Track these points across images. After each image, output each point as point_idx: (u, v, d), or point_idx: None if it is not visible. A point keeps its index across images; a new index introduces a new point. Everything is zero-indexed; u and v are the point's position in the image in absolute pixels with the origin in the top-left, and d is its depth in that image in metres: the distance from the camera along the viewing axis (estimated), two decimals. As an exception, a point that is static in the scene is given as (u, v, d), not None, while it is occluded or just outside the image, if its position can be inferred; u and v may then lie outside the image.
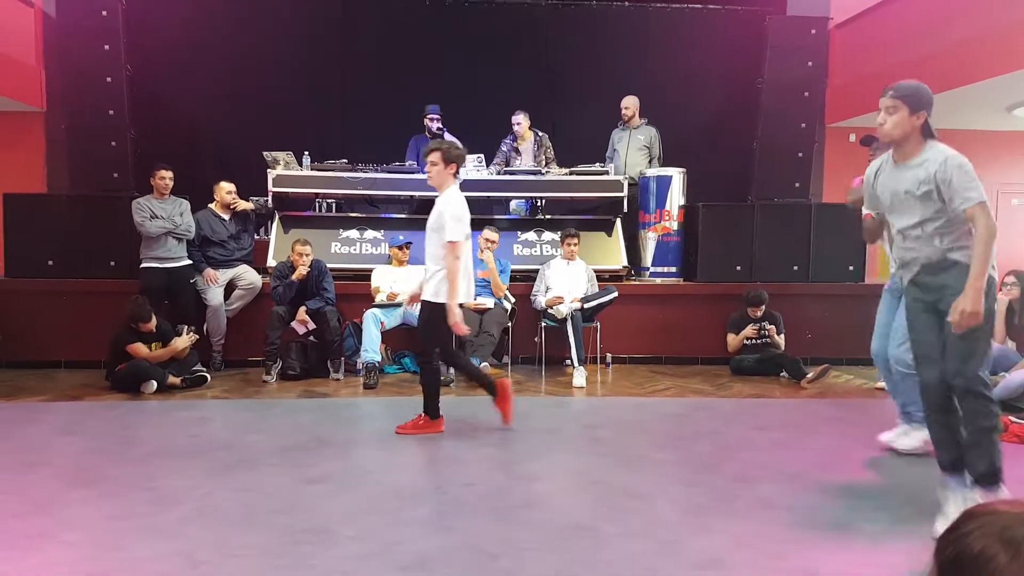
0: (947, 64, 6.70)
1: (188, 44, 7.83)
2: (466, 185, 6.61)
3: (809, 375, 5.75)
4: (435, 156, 4.14)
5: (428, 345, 4.31)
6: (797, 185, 7.12)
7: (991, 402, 2.87)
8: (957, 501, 2.88)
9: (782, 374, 6.04)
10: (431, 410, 4.26)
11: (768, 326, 6.21)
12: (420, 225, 6.76)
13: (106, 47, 6.54)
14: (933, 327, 2.94)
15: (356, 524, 2.91)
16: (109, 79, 6.55)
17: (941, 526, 2.71)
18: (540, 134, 7.20)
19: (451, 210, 4.09)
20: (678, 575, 2.53)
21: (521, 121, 7.08)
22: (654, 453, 3.94)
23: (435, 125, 7.15)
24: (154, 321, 5.33)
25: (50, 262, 6.22)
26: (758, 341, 6.21)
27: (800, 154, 7.18)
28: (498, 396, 4.32)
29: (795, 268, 6.79)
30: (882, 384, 5.62)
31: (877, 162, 3.11)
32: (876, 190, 3.09)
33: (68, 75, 6.66)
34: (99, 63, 6.53)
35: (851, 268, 6.82)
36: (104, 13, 6.55)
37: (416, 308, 5.88)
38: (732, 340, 6.28)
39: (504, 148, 7.17)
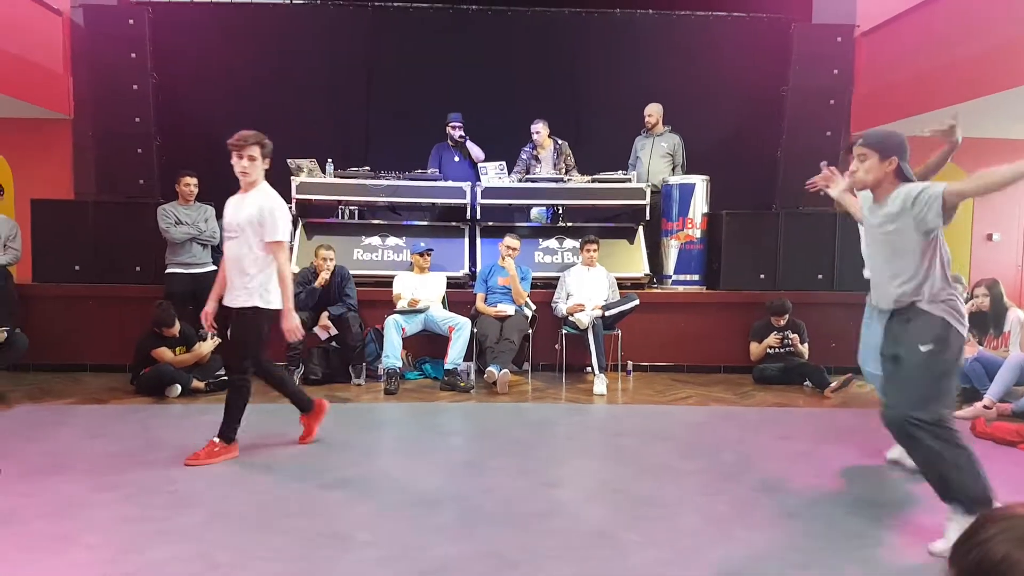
0: (975, 72, 6.59)
1: (214, 52, 7.94)
2: (488, 192, 6.68)
3: (832, 385, 5.66)
4: (255, 150, 3.73)
5: (246, 357, 3.83)
6: (822, 194, 7.03)
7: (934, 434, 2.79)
8: (952, 528, 2.79)
9: (805, 383, 5.96)
10: (228, 432, 3.84)
11: (791, 335, 6.13)
12: (442, 232, 6.88)
13: (133, 55, 6.67)
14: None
15: (375, 529, 2.91)
16: (135, 87, 6.67)
17: (939, 546, 2.76)
18: (560, 142, 7.20)
19: (276, 206, 3.74)
20: (701, 586, 2.50)
21: (540, 129, 7.09)
22: (676, 462, 3.90)
23: (457, 133, 7.18)
24: (178, 326, 5.38)
25: (77, 267, 6.32)
26: (781, 350, 6.13)
27: (825, 162, 7.08)
28: (311, 412, 4.14)
29: (819, 277, 6.71)
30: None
31: (867, 200, 3.16)
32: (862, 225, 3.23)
33: (95, 83, 6.79)
34: (126, 71, 6.65)
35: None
36: (131, 21, 6.69)
37: (438, 314, 5.93)
38: (755, 349, 6.21)
39: (524, 156, 7.18)
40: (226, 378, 5.51)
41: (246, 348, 3.82)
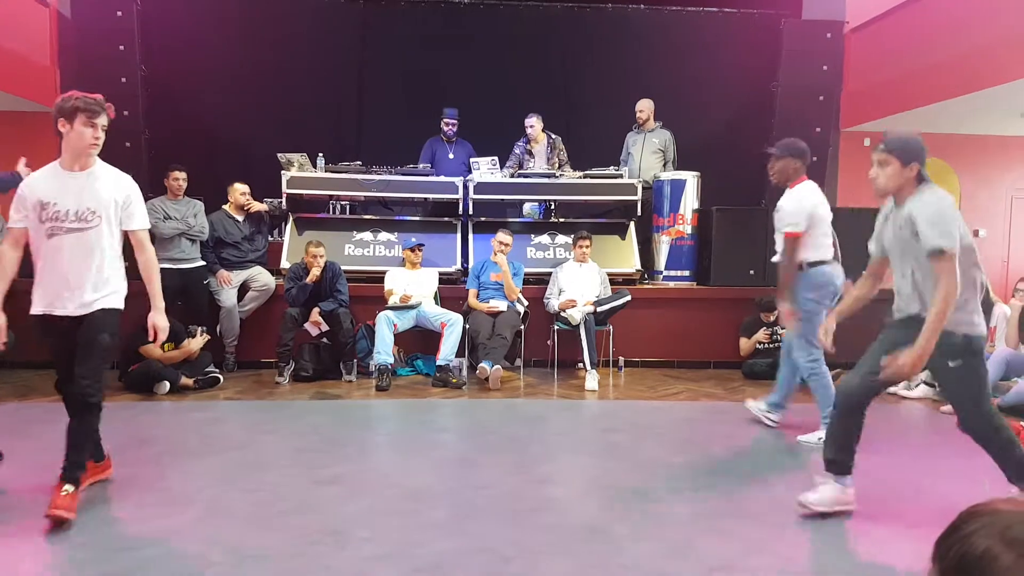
0: (963, 69, 6.65)
1: (203, 45, 7.86)
2: (481, 188, 6.66)
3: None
4: (105, 118, 3.12)
5: (102, 373, 3.12)
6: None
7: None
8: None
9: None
10: (79, 470, 3.05)
11: (780, 330, 6.17)
12: (434, 228, 6.86)
13: (121, 48, 6.61)
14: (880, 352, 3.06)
15: (370, 526, 2.91)
16: (124, 80, 6.62)
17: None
18: (553, 137, 7.21)
19: (135, 186, 3.21)
20: (693, 580, 2.52)
21: (534, 124, 7.09)
22: (667, 456, 3.92)
23: (450, 130, 7.18)
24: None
25: (64, 262, 6.24)
26: (770, 345, 6.17)
27: (815, 158, 7.13)
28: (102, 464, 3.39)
29: (808, 273, 6.73)
30: (893, 388, 5.60)
31: (887, 207, 3.10)
32: (883, 236, 3.13)
33: (82, 76, 6.71)
34: (114, 64, 6.60)
35: (863, 272, 6.77)
36: (119, 14, 6.62)
37: (430, 309, 5.92)
38: (744, 344, 6.25)
39: (517, 151, 7.17)
40: (215, 375, 5.51)
41: (105, 362, 3.15)
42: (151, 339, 3.26)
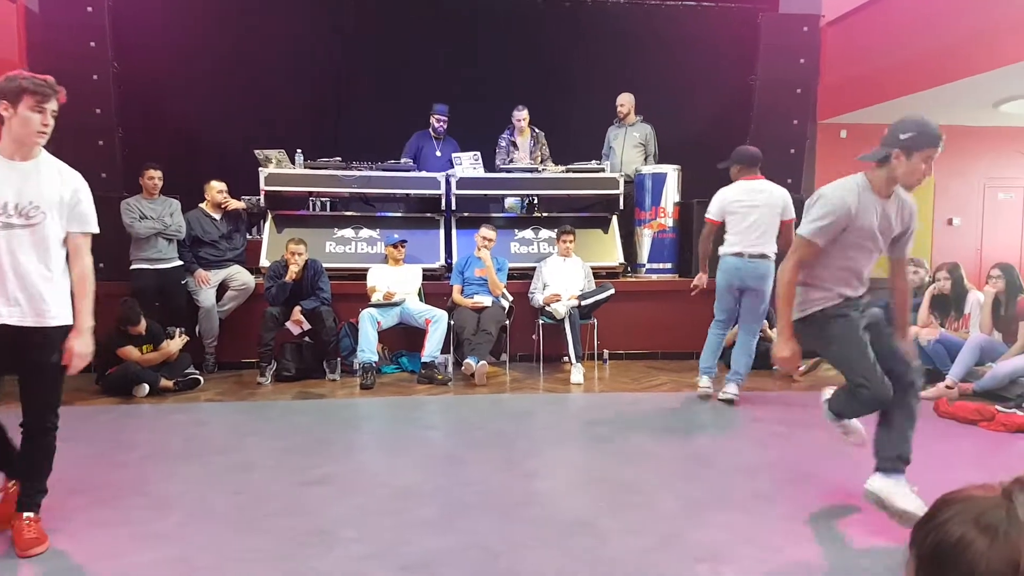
0: (937, 61, 6.74)
1: (177, 40, 7.72)
2: (463, 183, 6.63)
3: (801, 368, 5.78)
4: (55, 104, 2.82)
5: (59, 399, 2.85)
6: (789, 181, 7.14)
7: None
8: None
9: (775, 368, 6.05)
10: (39, 498, 2.80)
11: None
12: (417, 223, 6.82)
13: (91, 44, 6.47)
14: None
15: (358, 525, 2.89)
16: (95, 77, 6.47)
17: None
18: (537, 131, 7.22)
19: (86, 188, 2.78)
20: (678, 569, 2.53)
21: (524, 116, 7.10)
22: (652, 448, 3.94)
23: (440, 127, 7.14)
24: (144, 323, 5.25)
25: (38, 264, 6.12)
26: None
27: (792, 150, 7.22)
28: None
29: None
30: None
31: (853, 185, 2.97)
32: (854, 218, 2.93)
33: (52, 73, 6.46)
34: (84, 60, 6.45)
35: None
36: (89, 9, 6.48)
37: (414, 306, 5.88)
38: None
39: (503, 143, 7.17)
40: (195, 376, 5.43)
41: (60, 385, 2.81)
42: (65, 365, 2.74)
